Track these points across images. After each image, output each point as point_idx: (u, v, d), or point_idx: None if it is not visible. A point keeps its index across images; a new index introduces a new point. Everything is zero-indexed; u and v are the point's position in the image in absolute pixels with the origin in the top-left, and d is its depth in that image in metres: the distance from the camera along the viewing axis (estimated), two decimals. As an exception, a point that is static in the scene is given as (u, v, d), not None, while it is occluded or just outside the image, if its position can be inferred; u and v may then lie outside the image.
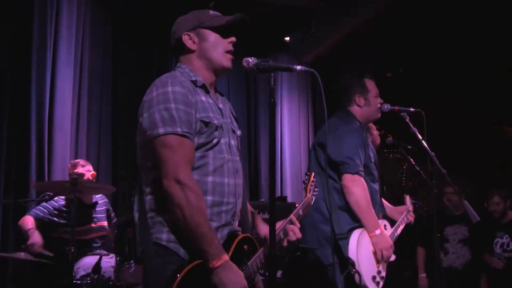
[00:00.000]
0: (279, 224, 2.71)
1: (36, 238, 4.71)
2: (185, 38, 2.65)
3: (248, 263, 2.51)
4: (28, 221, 4.87)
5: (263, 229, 2.85)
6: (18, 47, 5.71)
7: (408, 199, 4.56)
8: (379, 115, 4.23)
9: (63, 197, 5.07)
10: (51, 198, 5.10)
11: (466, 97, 8.90)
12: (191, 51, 2.66)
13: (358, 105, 4.16)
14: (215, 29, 2.64)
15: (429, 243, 6.26)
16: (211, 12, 2.71)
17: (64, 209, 5.04)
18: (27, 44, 5.73)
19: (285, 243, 2.75)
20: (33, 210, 5.03)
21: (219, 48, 2.64)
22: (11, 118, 5.50)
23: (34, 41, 5.75)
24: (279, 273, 5.89)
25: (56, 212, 5.02)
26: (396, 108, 4.14)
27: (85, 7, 6.33)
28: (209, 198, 2.48)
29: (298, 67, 2.51)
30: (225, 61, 2.66)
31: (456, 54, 7.96)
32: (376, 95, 4.19)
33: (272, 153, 2.45)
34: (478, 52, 7.80)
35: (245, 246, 2.56)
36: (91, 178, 5.15)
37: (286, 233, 2.75)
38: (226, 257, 2.34)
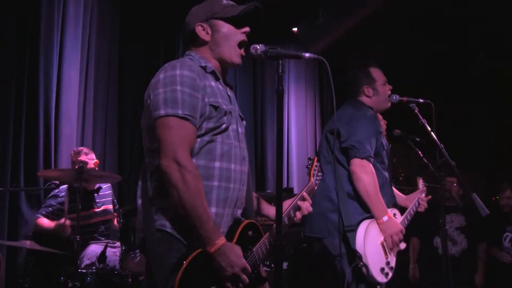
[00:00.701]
0: (287, 204, 2.72)
1: (62, 220, 4.80)
2: (198, 29, 2.65)
3: (253, 249, 2.51)
4: (45, 222, 5.03)
5: (266, 208, 2.89)
6: (25, 33, 5.67)
7: (421, 181, 4.52)
8: (389, 104, 4.20)
9: (65, 186, 5.08)
10: (57, 186, 5.12)
11: (475, 90, 8.87)
12: (204, 42, 2.66)
13: (367, 96, 4.13)
14: (228, 20, 2.64)
15: (424, 233, 6.25)
16: (224, 1, 2.70)
17: (67, 198, 5.04)
18: (35, 30, 5.68)
19: (298, 216, 2.75)
20: (42, 211, 5.12)
21: (231, 40, 2.64)
22: (18, 106, 5.48)
23: (42, 26, 5.70)
24: (285, 265, 5.86)
25: (60, 204, 5.08)
26: (405, 99, 4.12)
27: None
28: (216, 183, 2.47)
29: (307, 55, 2.48)
30: (235, 57, 2.66)
31: (465, 46, 7.92)
32: (383, 82, 4.16)
33: (280, 140, 2.44)
34: (489, 45, 7.77)
35: (250, 232, 2.56)
36: (93, 166, 5.16)
37: (296, 210, 2.76)
38: (221, 240, 2.32)
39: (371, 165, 3.78)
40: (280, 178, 2.41)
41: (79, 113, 5.97)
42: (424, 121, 4.03)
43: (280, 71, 2.42)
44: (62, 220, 4.78)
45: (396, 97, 4.12)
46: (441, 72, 8.42)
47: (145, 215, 2.46)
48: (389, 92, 4.16)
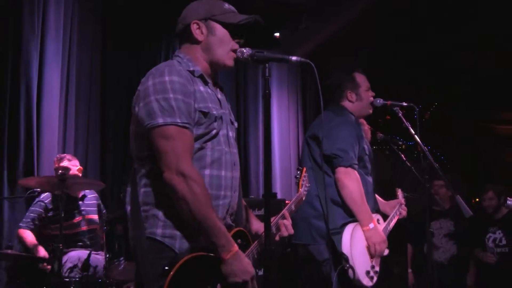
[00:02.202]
0: (271, 220, 2.67)
1: (42, 253, 4.76)
2: (193, 27, 2.57)
3: None
4: (28, 236, 4.93)
5: (255, 224, 2.84)
6: (6, 41, 5.62)
7: (400, 192, 4.54)
8: (371, 110, 4.20)
9: (48, 193, 5.02)
10: (39, 194, 5.04)
11: (452, 93, 8.95)
12: (196, 42, 2.59)
13: (350, 101, 4.12)
14: (226, 25, 2.58)
15: (416, 239, 6.31)
16: (226, 5, 2.64)
17: (50, 206, 4.99)
18: (16, 38, 5.65)
19: (277, 238, 2.72)
20: (25, 220, 5.02)
21: (225, 45, 2.58)
22: None
23: (23, 34, 5.68)
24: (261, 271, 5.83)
25: (44, 213, 5.00)
26: (389, 102, 4.11)
27: (73, 0, 6.25)
28: None
29: (294, 58, 2.46)
30: (228, 60, 2.60)
31: (445, 51, 8.00)
32: (367, 88, 4.16)
33: (268, 144, 2.42)
34: (467, 48, 7.85)
35: (239, 240, 2.53)
36: (77, 173, 5.10)
37: (278, 228, 2.73)
38: (235, 247, 2.32)
39: (356, 172, 3.78)
40: (269, 183, 2.39)
41: (60, 121, 5.92)
42: (408, 124, 4.03)
43: (267, 75, 2.40)
44: (39, 252, 4.76)
45: (379, 101, 4.12)
46: (424, 76, 8.49)
47: (135, 222, 2.42)
48: (372, 99, 4.16)
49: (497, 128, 11.08)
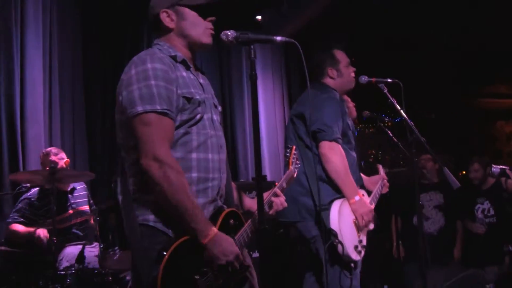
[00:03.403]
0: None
1: (43, 234, 4.73)
2: (163, 15, 2.59)
3: (235, 237, 2.50)
4: (20, 227, 4.90)
5: (247, 201, 2.89)
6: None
7: (381, 168, 4.58)
8: (353, 85, 4.24)
9: (36, 189, 5.00)
10: (28, 189, 5.02)
11: (438, 68, 8.98)
12: (169, 30, 2.61)
13: (331, 77, 4.16)
14: (194, 8, 2.59)
15: (405, 212, 6.33)
16: None
17: (38, 203, 4.97)
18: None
19: (271, 213, 2.77)
20: (12, 216, 4.99)
21: (198, 27, 2.60)
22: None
23: (1, 28, 5.62)
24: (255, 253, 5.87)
25: (32, 208, 4.97)
26: (374, 79, 4.12)
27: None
28: (195, 174, 2.46)
29: (279, 38, 2.48)
30: (205, 37, 2.62)
31: (428, 26, 8.02)
32: (347, 64, 4.20)
33: (256, 126, 2.42)
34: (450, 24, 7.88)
35: (231, 221, 2.55)
36: (65, 166, 5.08)
37: (271, 206, 2.77)
38: (213, 230, 2.33)
39: (340, 146, 3.82)
40: (259, 165, 2.40)
41: (45, 114, 5.86)
42: (393, 100, 4.05)
43: (252, 56, 2.41)
44: (37, 233, 4.72)
45: (364, 78, 4.13)
46: (408, 53, 8.51)
47: (127, 211, 2.44)
48: (353, 74, 4.21)
49: (480, 101, 11.16)
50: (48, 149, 5.21)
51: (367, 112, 4.97)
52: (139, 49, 6.86)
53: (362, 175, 4.37)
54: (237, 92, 8.17)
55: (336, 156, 3.76)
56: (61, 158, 5.10)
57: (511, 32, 7.81)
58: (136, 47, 6.93)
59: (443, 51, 8.66)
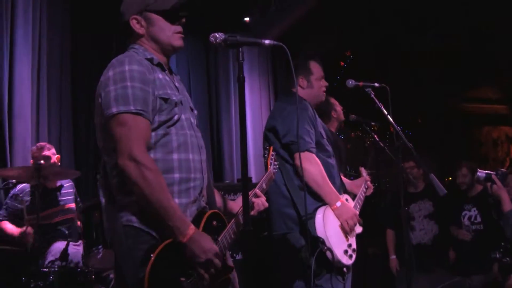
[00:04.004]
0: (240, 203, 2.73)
1: (24, 227, 4.72)
2: (132, 22, 2.65)
3: (219, 239, 2.52)
4: (8, 225, 4.93)
5: (229, 203, 2.89)
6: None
7: (363, 170, 4.61)
8: (323, 98, 4.28)
9: (27, 184, 4.99)
10: (15, 186, 5.01)
11: (422, 72, 9.04)
12: (140, 35, 2.66)
13: (301, 87, 4.17)
14: (161, 13, 2.62)
15: (396, 223, 6.27)
16: None
17: (27, 198, 4.95)
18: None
19: (253, 213, 2.78)
20: (1, 214, 5.01)
21: (167, 31, 2.63)
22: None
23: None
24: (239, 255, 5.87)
25: (20, 204, 4.96)
26: (361, 83, 4.13)
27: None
28: (177, 175, 2.48)
29: (267, 41, 2.50)
30: (175, 40, 2.66)
31: (414, 29, 8.07)
32: (319, 77, 4.21)
33: (243, 128, 2.44)
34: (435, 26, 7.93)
35: (214, 222, 2.57)
36: (56, 161, 5.10)
37: (252, 207, 2.78)
38: (192, 229, 2.34)
39: (313, 155, 3.83)
40: (245, 166, 2.41)
41: (32, 111, 5.84)
42: (380, 105, 4.06)
43: (240, 59, 2.43)
44: (24, 228, 4.71)
45: (351, 82, 4.14)
46: (395, 55, 8.55)
47: (110, 213, 2.46)
48: (324, 88, 4.23)
49: (466, 106, 11.24)
50: (42, 143, 5.21)
51: (354, 115, 4.98)
52: (126, 47, 6.88)
53: (345, 179, 4.39)
54: (223, 93, 8.17)
55: (311, 166, 3.77)
56: (53, 154, 5.12)
57: (500, 36, 7.88)
58: (123, 45, 6.89)
59: (430, 54, 8.70)
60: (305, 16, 7.38)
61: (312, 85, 4.17)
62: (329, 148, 4.10)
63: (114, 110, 2.36)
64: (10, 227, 4.93)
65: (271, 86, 8.72)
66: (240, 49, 2.45)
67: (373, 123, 5.03)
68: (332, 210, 3.80)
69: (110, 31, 6.92)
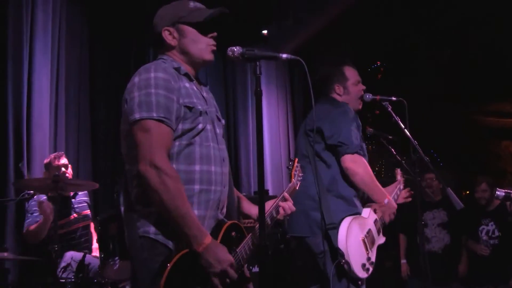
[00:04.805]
0: (269, 205, 2.74)
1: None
2: (165, 34, 2.66)
3: (237, 250, 2.52)
4: (33, 226, 4.90)
5: (247, 205, 2.91)
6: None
7: (399, 172, 4.58)
8: (360, 106, 4.21)
9: (43, 195, 5.01)
10: (31, 197, 5.03)
11: (440, 84, 9.00)
12: (171, 47, 2.67)
13: (338, 94, 4.15)
14: (194, 25, 2.64)
15: (410, 230, 6.29)
16: (191, 4, 2.69)
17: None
18: (2, 40, 5.62)
19: (280, 216, 2.81)
20: (28, 221, 4.98)
21: (199, 43, 2.65)
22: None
23: (9, 36, 5.65)
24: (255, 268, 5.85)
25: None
26: (378, 97, 4.12)
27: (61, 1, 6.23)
28: (197, 187, 2.48)
29: (284, 55, 2.51)
30: (206, 54, 2.68)
31: (431, 43, 8.05)
32: (356, 82, 4.17)
33: (260, 141, 2.44)
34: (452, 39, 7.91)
35: (233, 233, 2.57)
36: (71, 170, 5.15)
37: (278, 211, 2.80)
38: (208, 239, 2.35)
39: (362, 157, 3.86)
40: (262, 179, 2.40)
41: (51, 121, 5.88)
42: (397, 118, 4.05)
43: (258, 73, 2.44)
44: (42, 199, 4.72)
45: (369, 96, 4.13)
46: (412, 68, 8.54)
47: (128, 223, 2.46)
48: (362, 92, 4.17)
49: (485, 120, 11.15)
50: (60, 152, 5.25)
51: (371, 129, 4.97)
52: (144, 57, 6.93)
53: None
54: (241, 105, 8.21)
55: (360, 168, 3.80)
56: (70, 172, 5.15)
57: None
58: (142, 56, 6.97)
59: (447, 67, 8.67)
60: (323, 29, 7.40)
61: (349, 92, 4.14)
62: (366, 154, 4.11)
63: (137, 116, 2.38)
64: (35, 225, 4.88)
65: (289, 99, 8.75)
66: (258, 63, 2.45)
67: (390, 137, 5.00)
68: (380, 206, 3.90)
69: (128, 41, 6.99)
